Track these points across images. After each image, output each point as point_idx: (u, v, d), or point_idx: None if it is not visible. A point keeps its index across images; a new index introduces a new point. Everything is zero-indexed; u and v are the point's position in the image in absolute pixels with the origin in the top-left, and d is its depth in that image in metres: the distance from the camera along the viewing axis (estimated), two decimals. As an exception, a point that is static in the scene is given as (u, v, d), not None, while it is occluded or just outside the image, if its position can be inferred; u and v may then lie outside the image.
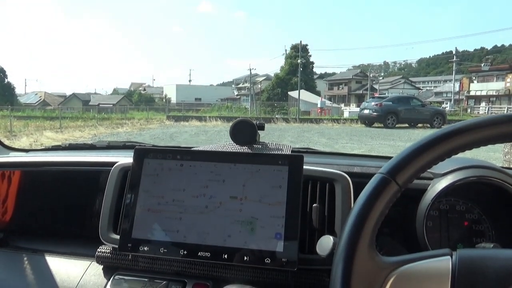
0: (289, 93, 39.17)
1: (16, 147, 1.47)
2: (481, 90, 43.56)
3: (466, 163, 0.95)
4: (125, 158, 1.04)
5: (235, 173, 0.90)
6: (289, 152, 1.02)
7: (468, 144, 0.60)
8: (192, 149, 1.01)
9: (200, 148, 1.05)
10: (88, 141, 13.09)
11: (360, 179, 0.88)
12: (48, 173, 1.21)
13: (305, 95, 35.39)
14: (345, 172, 0.94)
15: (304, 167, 0.89)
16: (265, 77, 52.90)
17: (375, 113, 20.55)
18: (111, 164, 1.03)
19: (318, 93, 42.77)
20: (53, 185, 1.22)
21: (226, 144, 1.05)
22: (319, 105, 31.47)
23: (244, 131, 1.00)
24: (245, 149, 1.03)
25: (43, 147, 1.47)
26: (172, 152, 0.94)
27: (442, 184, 0.92)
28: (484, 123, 0.59)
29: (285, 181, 0.87)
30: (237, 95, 59.78)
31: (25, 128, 16.54)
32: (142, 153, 0.95)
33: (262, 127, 1.03)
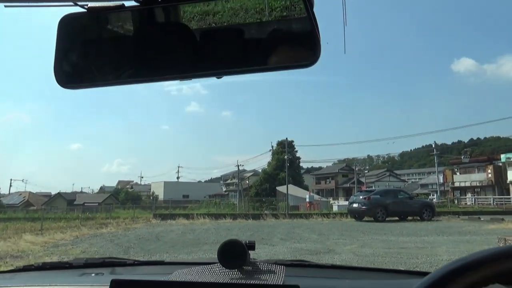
0: (277, 188, 39.27)
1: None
2: (465, 181, 44.51)
3: None
4: None
5: None
6: (282, 274, 0.93)
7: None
8: (172, 280, 0.92)
9: (182, 279, 0.95)
10: (69, 243, 12.48)
11: None
12: None
13: (293, 190, 35.50)
14: None
15: None
16: (252, 173, 53.50)
17: (364, 207, 20.51)
18: None
19: (306, 188, 43.02)
20: None
21: (214, 266, 0.97)
22: (307, 200, 31.40)
23: (233, 253, 0.93)
24: (234, 272, 0.94)
25: (13, 268, 1.35)
26: (151, 285, 0.85)
27: None
28: None
29: None
30: (225, 191, 59.66)
31: (3, 231, 15.88)
32: (120, 286, 0.86)
33: (252, 247, 0.96)
